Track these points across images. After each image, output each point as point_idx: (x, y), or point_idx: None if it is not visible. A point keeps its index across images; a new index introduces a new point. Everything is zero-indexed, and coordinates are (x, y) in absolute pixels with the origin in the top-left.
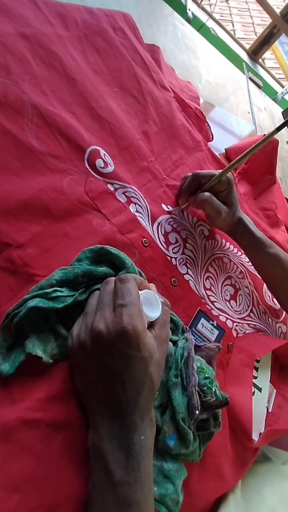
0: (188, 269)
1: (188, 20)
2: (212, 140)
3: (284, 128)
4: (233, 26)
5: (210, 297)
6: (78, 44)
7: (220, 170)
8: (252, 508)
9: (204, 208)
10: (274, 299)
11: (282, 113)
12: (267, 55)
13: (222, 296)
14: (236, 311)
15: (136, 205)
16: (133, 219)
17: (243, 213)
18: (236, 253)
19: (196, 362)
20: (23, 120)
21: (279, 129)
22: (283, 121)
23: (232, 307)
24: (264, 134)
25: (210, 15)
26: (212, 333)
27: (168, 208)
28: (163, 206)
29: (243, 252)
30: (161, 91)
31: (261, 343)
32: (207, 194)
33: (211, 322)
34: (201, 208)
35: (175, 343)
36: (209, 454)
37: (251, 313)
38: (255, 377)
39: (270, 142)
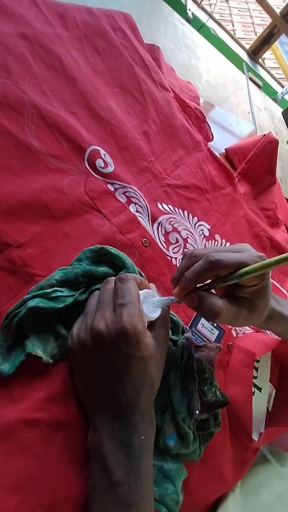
0: None
1: (188, 20)
2: (212, 140)
3: (284, 129)
4: (233, 26)
5: None
6: (78, 44)
7: (249, 258)
8: (250, 509)
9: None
10: None
11: (282, 113)
12: (267, 55)
13: None
14: None
15: (136, 205)
16: (133, 219)
17: (275, 298)
18: None
19: (196, 362)
20: (23, 120)
21: None
22: (284, 120)
23: None
24: (264, 134)
25: (210, 15)
26: (212, 333)
27: (163, 205)
28: (159, 204)
29: None
30: (161, 91)
31: (261, 343)
32: (218, 302)
33: (211, 322)
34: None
35: (175, 343)
36: (209, 454)
37: None
38: (255, 377)
39: (270, 142)
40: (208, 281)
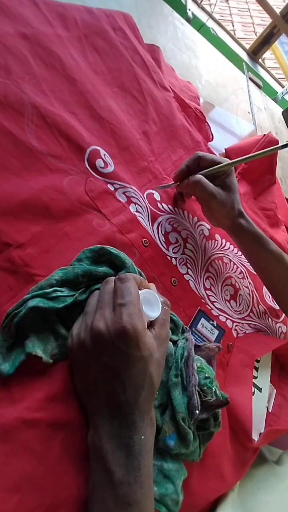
0: (188, 269)
1: (188, 20)
2: (212, 140)
3: (284, 129)
4: (233, 26)
5: (210, 297)
6: (78, 44)
7: (222, 160)
8: (248, 509)
9: (196, 191)
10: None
11: (282, 113)
12: (267, 55)
13: (222, 296)
14: (236, 311)
15: (136, 205)
16: (133, 219)
17: (247, 217)
18: (236, 253)
19: (196, 362)
20: (23, 120)
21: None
22: (284, 120)
23: (232, 307)
24: (264, 134)
25: (210, 15)
26: (212, 333)
27: (163, 206)
28: (159, 204)
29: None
30: (161, 91)
31: (261, 343)
32: (198, 176)
33: (211, 322)
34: (193, 192)
35: (175, 343)
36: (209, 454)
37: (251, 313)
38: (255, 377)
39: (270, 143)
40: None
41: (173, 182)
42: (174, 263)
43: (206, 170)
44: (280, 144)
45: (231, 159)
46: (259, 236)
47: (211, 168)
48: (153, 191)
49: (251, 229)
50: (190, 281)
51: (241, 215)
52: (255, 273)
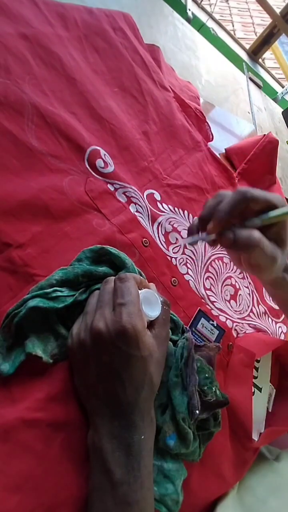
0: (188, 269)
1: (188, 20)
2: (212, 140)
3: (284, 129)
4: (233, 26)
5: (210, 297)
6: (78, 44)
7: (277, 199)
8: (247, 505)
9: (251, 255)
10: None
11: (282, 113)
12: (267, 55)
13: (222, 296)
14: (236, 311)
15: (136, 205)
16: (133, 219)
17: None
18: None
19: (196, 362)
20: (23, 120)
21: None
22: (284, 120)
23: (232, 307)
24: (264, 134)
25: (210, 15)
26: (212, 333)
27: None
28: (158, 204)
29: None
30: (161, 91)
31: (261, 343)
32: (257, 234)
33: (211, 322)
34: (245, 253)
35: (175, 343)
36: (209, 454)
37: (251, 313)
38: (255, 377)
39: (270, 142)
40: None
41: (206, 233)
42: (174, 263)
43: (264, 218)
44: None
45: (231, 159)
46: None
47: (276, 215)
48: (153, 191)
49: None
50: (190, 281)
51: (286, 269)
52: None
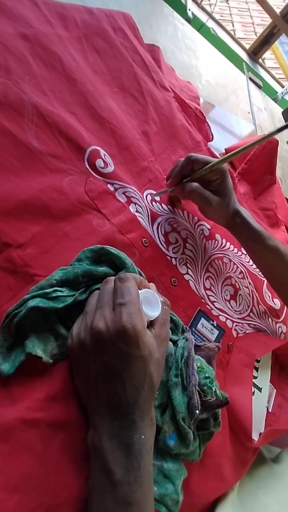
0: (188, 269)
1: (188, 20)
2: (212, 140)
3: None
4: (233, 26)
5: (210, 297)
6: (78, 44)
7: (215, 159)
8: (247, 505)
9: (192, 199)
10: (274, 299)
11: (282, 113)
12: (267, 55)
13: (222, 296)
14: (236, 311)
15: (136, 205)
16: (133, 219)
17: (241, 206)
18: (236, 253)
19: (196, 362)
20: (23, 120)
21: (280, 130)
22: (284, 121)
23: (232, 307)
24: (264, 134)
25: (210, 15)
26: (212, 333)
27: (163, 206)
28: (151, 191)
29: (243, 252)
30: (161, 91)
31: (261, 343)
32: (195, 184)
33: (211, 322)
34: (189, 198)
35: (175, 343)
36: (209, 454)
37: (251, 313)
38: (255, 377)
39: (270, 142)
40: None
41: (167, 188)
42: (174, 263)
43: (199, 171)
44: (274, 130)
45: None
46: (254, 232)
47: (204, 168)
48: (153, 191)
49: (246, 227)
50: (190, 281)
51: (236, 214)
52: (255, 272)
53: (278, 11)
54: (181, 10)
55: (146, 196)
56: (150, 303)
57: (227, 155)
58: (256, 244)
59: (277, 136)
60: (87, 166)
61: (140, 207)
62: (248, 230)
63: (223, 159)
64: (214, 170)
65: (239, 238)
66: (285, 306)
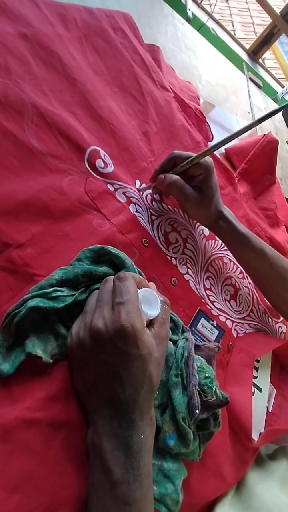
0: (188, 269)
1: (188, 20)
2: (212, 140)
3: (284, 129)
4: (233, 26)
5: (210, 297)
6: (78, 44)
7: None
8: (246, 505)
9: (172, 192)
10: None
11: (282, 113)
12: (267, 55)
13: (222, 296)
14: (236, 311)
15: (136, 205)
16: (133, 219)
17: (225, 207)
18: None
19: (196, 362)
20: (23, 120)
21: (271, 114)
22: (284, 121)
23: (232, 307)
24: (264, 134)
25: (210, 15)
26: (212, 333)
27: (163, 206)
28: (158, 205)
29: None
30: (161, 91)
31: (261, 343)
32: (174, 177)
33: (211, 322)
34: (168, 192)
35: (175, 342)
36: (209, 453)
37: (251, 313)
38: (255, 377)
39: (270, 142)
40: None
41: (150, 184)
42: (174, 263)
43: (180, 165)
44: (265, 114)
45: (231, 159)
46: (239, 235)
47: (184, 163)
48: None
49: (230, 230)
50: (190, 281)
51: (220, 216)
52: None
53: (278, 11)
54: (181, 10)
55: (146, 196)
56: (150, 302)
57: (208, 148)
58: (241, 247)
59: (277, 136)
60: (87, 166)
61: (140, 207)
62: (232, 233)
63: (204, 151)
64: (197, 165)
65: (224, 241)
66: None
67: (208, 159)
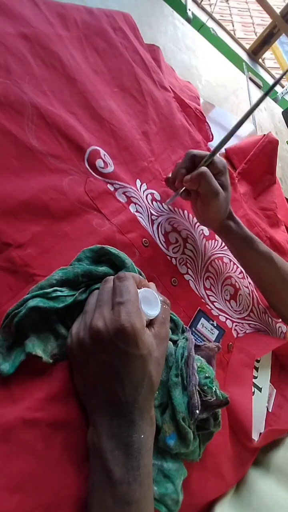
0: (188, 269)
1: (188, 20)
2: (212, 140)
3: (284, 129)
4: (233, 26)
5: (210, 297)
6: (78, 44)
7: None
8: (246, 505)
9: (201, 185)
10: None
11: (282, 113)
12: (267, 55)
13: (222, 296)
14: (236, 311)
15: (136, 205)
16: (133, 219)
17: (237, 219)
18: None
19: (196, 362)
20: (23, 120)
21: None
22: (284, 121)
23: (232, 307)
24: (264, 134)
25: (210, 15)
26: (212, 333)
27: (164, 206)
28: (158, 204)
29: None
30: (161, 91)
31: (261, 343)
32: (203, 168)
33: (211, 322)
34: (197, 186)
35: (175, 342)
36: (209, 453)
37: (251, 313)
38: (255, 377)
39: (270, 142)
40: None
41: (177, 190)
42: (174, 263)
43: (202, 162)
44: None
45: (231, 159)
46: (247, 237)
47: (205, 159)
48: (153, 191)
49: (240, 231)
50: (190, 281)
51: (230, 216)
52: None
53: (278, 11)
54: (181, 10)
55: (147, 196)
56: (150, 302)
57: (223, 138)
58: (247, 249)
59: (277, 136)
60: (87, 166)
61: (140, 207)
62: (241, 235)
63: (220, 143)
64: (214, 163)
65: (230, 241)
66: None
67: (223, 159)
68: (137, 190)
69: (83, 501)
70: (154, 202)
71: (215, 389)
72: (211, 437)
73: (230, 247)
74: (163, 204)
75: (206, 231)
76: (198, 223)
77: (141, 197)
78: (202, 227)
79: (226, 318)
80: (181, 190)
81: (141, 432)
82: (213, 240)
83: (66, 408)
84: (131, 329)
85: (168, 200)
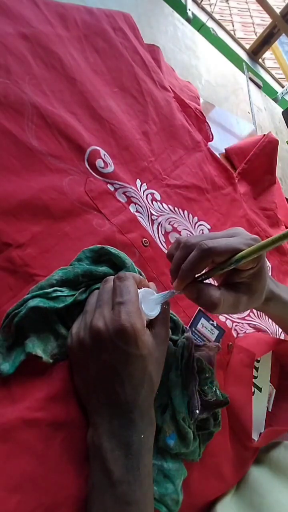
0: None
1: (188, 20)
2: (212, 140)
3: (284, 129)
4: (233, 26)
5: None
6: (78, 44)
7: (238, 245)
8: (246, 504)
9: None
10: None
11: (282, 113)
12: (267, 55)
13: None
14: None
15: (136, 205)
16: (133, 219)
17: (272, 280)
18: None
19: (196, 362)
20: (23, 120)
21: None
22: (284, 121)
23: None
24: (264, 134)
25: (210, 15)
26: (212, 333)
27: (163, 206)
28: (158, 204)
29: None
30: (161, 91)
31: (261, 343)
32: (217, 295)
33: (211, 322)
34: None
35: (175, 342)
36: (209, 454)
37: (251, 313)
38: (255, 377)
39: (270, 142)
40: (206, 270)
41: (174, 290)
42: None
43: (226, 264)
44: None
45: (231, 159)
46: (285, 304)
47: (228, 264)
48: (153, 191)
49: (279, 306)
50: None
51: (270, 298)
52: None
53: (278, 11)
54: (181, 10)
55: (147, 196)
56: (150, 302)
57: (272, 238)
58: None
59: (277, 136)
60: (87, 166)
61: (140, 207)
62: (282, 307)
63: (264, 244)
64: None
65: (268, 314)
66: None
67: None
68: (137, 190)
69: (83, 501)
70: (154, 202)
71: (215, 389)
72: (211, 437)
73: (268, 316)
74: (163, 204)
75: (206, 231)
76: (198, 223)
77: (141, 197)
78: (202, 227)
79: (226, 318)
80: (178, 292)
81: (141, 432)
82: None
83: (66, 408)
84: (131, 329)
85: (160, 297)
